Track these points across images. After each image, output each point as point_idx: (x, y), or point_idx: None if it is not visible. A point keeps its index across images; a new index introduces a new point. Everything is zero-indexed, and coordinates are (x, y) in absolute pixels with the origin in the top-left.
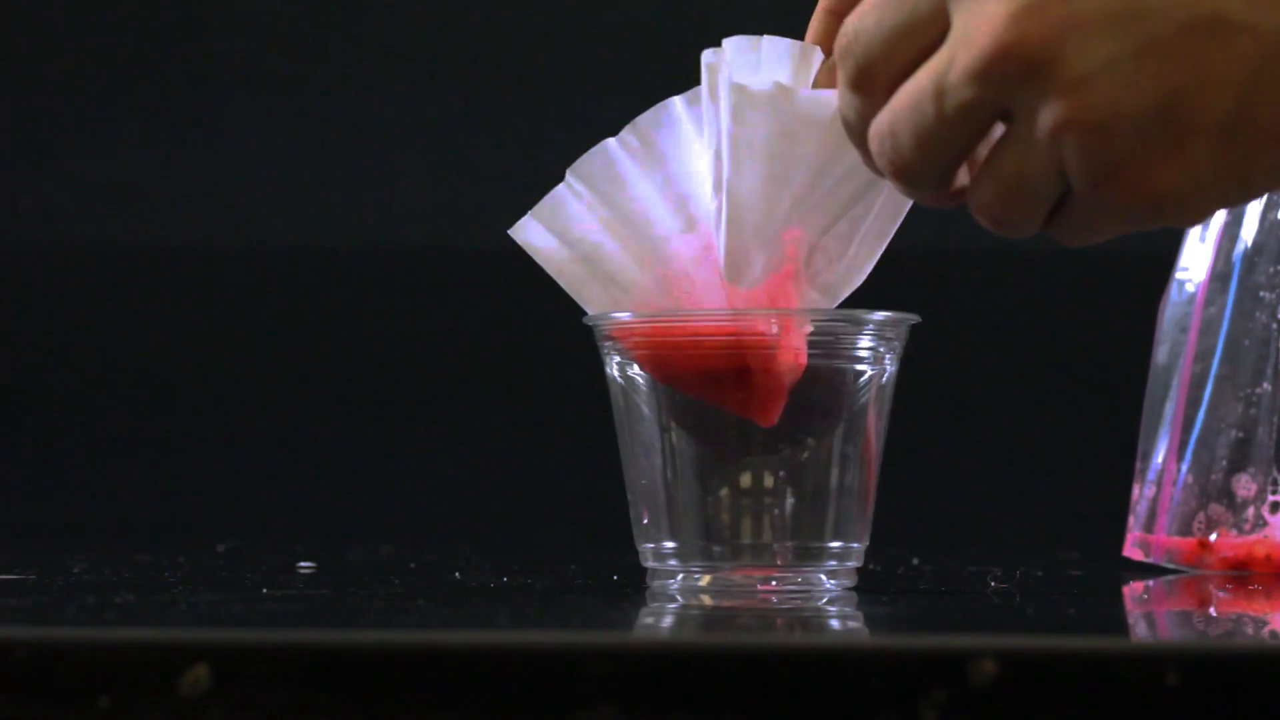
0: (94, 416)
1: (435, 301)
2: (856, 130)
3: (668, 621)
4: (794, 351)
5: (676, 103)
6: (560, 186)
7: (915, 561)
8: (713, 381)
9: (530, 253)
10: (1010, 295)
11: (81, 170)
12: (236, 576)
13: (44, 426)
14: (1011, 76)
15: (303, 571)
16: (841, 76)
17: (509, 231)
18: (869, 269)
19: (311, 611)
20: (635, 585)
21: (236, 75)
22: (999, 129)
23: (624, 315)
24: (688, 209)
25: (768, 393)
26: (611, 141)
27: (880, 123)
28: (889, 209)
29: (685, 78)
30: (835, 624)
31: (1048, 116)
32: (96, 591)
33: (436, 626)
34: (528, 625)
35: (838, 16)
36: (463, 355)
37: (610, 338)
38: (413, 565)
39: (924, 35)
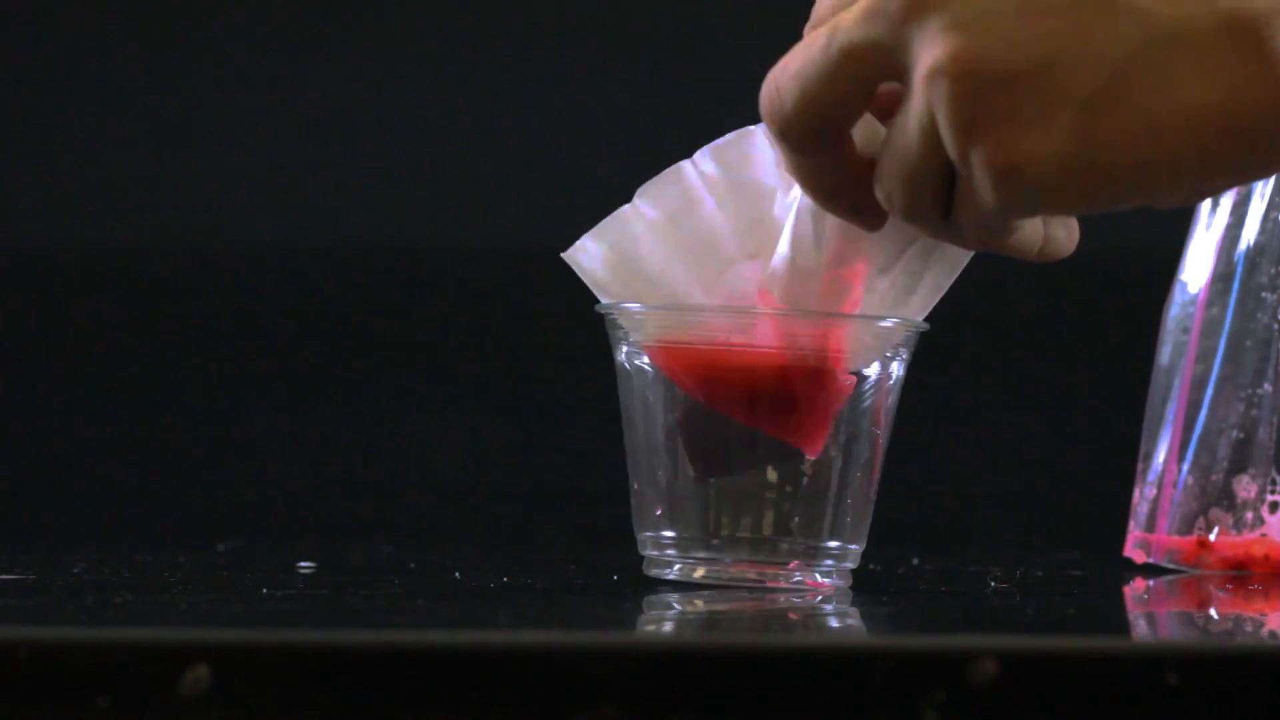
0: (94, 416)
1: (435, 301)
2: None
3: (668, 621)
4: (843, 377)
5: (756, 131)
6: (625, 207)
7: (915, 561)
8: (759, 407)
9: (582, 274)
10: (1013, 295)
11: (81, 170)
12: (236, 576)
13: (44, 426)
14: (896, 15)
15: (303, 571)
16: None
17: (563, 255)
18: (937, 298)
19: (311, 611)
20: (635, 585)
21: (236, 74)
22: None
23: (675, 338)
24: (756, 234)
25: (814, 420)
26: (686, 164)
27: (772, 70)
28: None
29: (687, 77)
30: (835, 624)
31: (925, 58)
32: (96, 591)
33: (436, 626)
34: (528, 625)
35: None
36: (463, 355)
37: (651, 355)
38: (413, 565)
39: None
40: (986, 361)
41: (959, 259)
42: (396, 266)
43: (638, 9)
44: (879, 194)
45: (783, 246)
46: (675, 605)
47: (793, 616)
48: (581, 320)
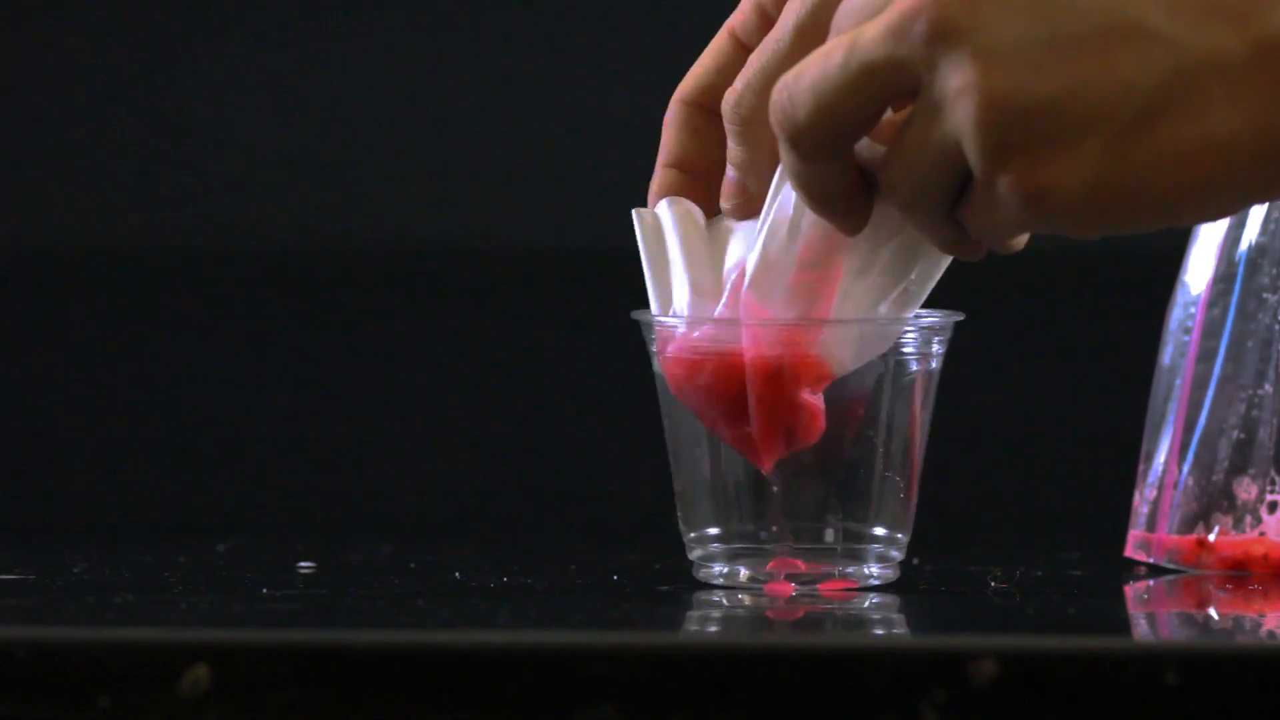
0: (94, 416)
1: (435, 301)
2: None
3: (668, 621)
4: (803, 390)
5: None
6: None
7: (915, 561)
8: (716, 409)
9: (639, 231)
10: (1014, 295)
11: (81, 170)
12: (236, 576)
13: (44, 426)
14: (920, 37)
15: (303, 571)
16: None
17: (634, 211)
18: (918, 303)
19: (311, 611)
20: (635, 585)
21: (236, 74)
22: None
23: (663, 322)
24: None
25: (765, 429)
26: None
27: (785, 76)
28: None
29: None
30: (835, 624)
31: (951, 81)
32: (96, 591)
33: (436, 626)
34: (528, 625)
35: (703, 107)
36: (463, 355)
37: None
38: (413, 565)
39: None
40: (987, 361)
41: (938, 262)
42: (396, 266)
43: (639, 9)
44: (884, 185)
45: (759, 238)
46: (676, 605)
47: (793, 616)
48: (582, 320)
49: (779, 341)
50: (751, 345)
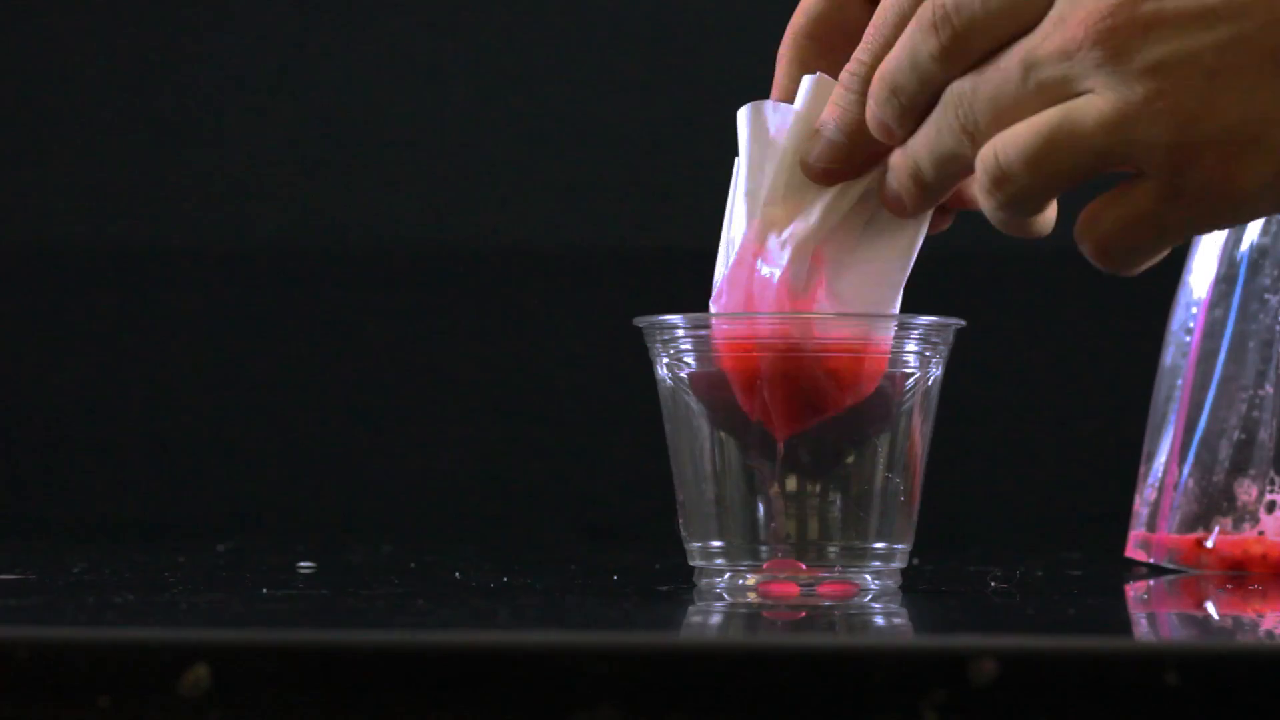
0: (94, 416)
1: (435, 301)
2: (915, 100)
3: (669, 621)
4: (836, 368)
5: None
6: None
7: (915, 561)
8: (741, 382)
9: (742, 128)
10: (1016, 296)
11: (81, 170)
12: (236, 576)
13: (44, 426)
14: (1095, 59)
15: (303, 571)
16: (927, 45)
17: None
18: (901, 281)
19: (311, 611)
20: (634, 585)
21: (236, 74)
22: None
23: (672, 318)
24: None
25: (781, 403)
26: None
27: (963, 84)
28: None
29: (686, 77)
30: (836, 624)
31: (1131, 92)
32: (96, 591)
33: (436, 626)
34: (528, 625)
35: (816, 40)
36: (463, 355)
37: (663, 340)
38: (413, 565)
39: (1026, 14)
40: (988, 362)
41: (909, 246)
42: (396, 266)
43: (641, 9)
44: (1006, 139)
45: (758, 201)
46: (676, 605)
47: (793, 617)
48: (583, 320)
49: (788, 335)
50: (765, 333)
